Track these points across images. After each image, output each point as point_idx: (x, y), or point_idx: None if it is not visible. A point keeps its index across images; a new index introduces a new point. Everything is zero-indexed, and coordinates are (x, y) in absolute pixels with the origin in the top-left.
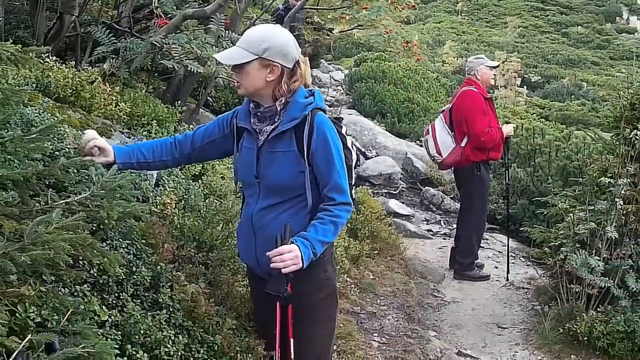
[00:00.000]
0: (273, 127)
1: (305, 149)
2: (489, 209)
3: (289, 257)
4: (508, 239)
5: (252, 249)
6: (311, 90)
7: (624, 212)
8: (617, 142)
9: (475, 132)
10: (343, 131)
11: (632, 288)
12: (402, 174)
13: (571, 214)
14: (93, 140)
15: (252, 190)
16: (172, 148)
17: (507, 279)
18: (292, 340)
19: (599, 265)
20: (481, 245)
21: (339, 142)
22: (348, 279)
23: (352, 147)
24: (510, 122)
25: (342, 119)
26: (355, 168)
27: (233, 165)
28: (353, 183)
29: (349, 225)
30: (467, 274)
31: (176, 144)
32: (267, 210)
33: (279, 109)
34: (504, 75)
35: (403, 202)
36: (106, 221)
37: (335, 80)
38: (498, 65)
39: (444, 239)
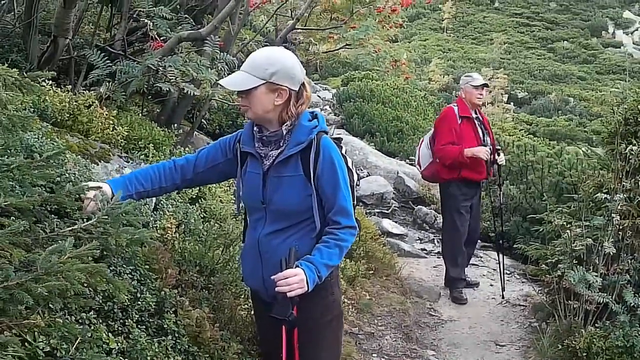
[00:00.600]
0: (279, 151)
1: (311, 173)
2: (476, 228)
3: (294, 280)
4: (501, 256)
5: (259, 274)
6: (313, 112)
7: (621, 227)
8: (612, 158)
9: (434, 148)
10: (343, 152)
11: (630, 303)
12: (394, 193)
13: (568, 230)
14: (88, 195)
15: (258, 215)
16: (172, 173)
17: (503, 297)
18: None
19: (596, 281)
20: (472, 263)
21: (344, 165)
22: (345, 300)
23: (352, 167)
24: (502, 152)
25: (342, 139)
26: (354, 188)
27: (235, 190)
28: (355, 204)
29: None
30: (451, 292)
31: (176, 169)
32: (274, 235)
33: (284, 133)
34: (490, 92)
35: (396, 222)
36: (113, 248)
37: (323, 99)
38: (484, 85)
39: (438, 257)
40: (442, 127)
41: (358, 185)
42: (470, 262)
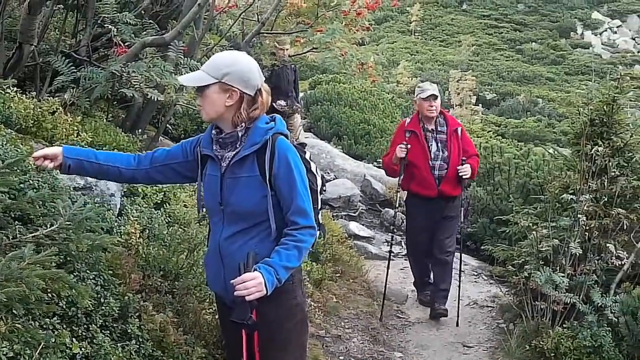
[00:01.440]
0: (235, 152)
1: (267, 173)
2: (442, 246)
3: (252, 284)
4: (459, 280)
5: (221, 278)
6: (272, 116)
7: (587, 227)
8: (578, 159)
9: None
10: (307, 156)
11: (598, 303)
12: (361, 196)
13: (534, 232)
14: (37, 152)
15: (217, 218)
16: (129, 159)
17: (457, 324)
18: None
19: (563, 282)
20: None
21: (301, 166)
22: (312, 303)
23: (316, 172)
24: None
25: (306, 144)
26: (321, 193)
27: (196, 194)
28: (319, 208)
29: (310, 248)
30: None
31: (135, 157)
32: (233, 239)
33: (240, 135)
34: (458, 93)
35: (363, 224)
36: (74, 254)
37: None
38: (434, 96)
39: (405, 259)
40: (392, 140)
41: (324, 190)
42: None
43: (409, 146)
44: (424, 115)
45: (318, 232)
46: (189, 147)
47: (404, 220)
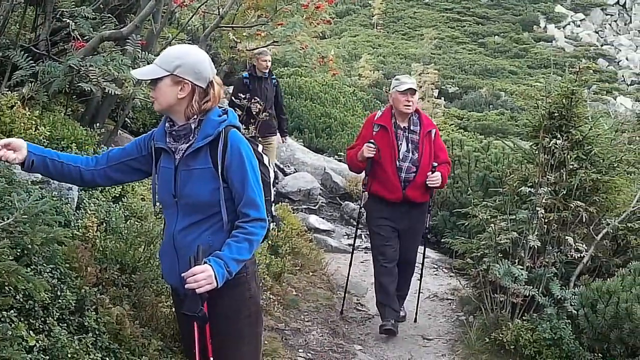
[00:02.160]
0: (188, 145)
1: (219, 165)
2: (408, 254)
3: (202, 277)
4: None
5: (176, 270)
6: (225, 109)
7: (546, 220)
8: (537, 151)
9: None
10: (259, 149)
11: (557, 295)
12: (321, 189)
13: (492, 224)
14: (1, 141)
15: (171, 210)
16: (88, 160)
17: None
18: (211, 359)
19: (522, 274)
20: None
21: (253, 158)
22: (271, 296)
23: (269, 164)
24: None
25: (258, 137)
26: (274, 186)
27: (152, 187)
28: (273, 200)
29: (269, 242)
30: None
31: (92, 158)
32: (187, 231)
33: (193, 127)
34: (420, 87)
35: (323, 218)
36: (30, 247)
37: None
38: (412, 90)
39: (365, 252)
40: (359, 133)
41: (277, 182)
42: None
43: (377, 147)
44: (399, 111)
45: (271, 224)
46: (143, 142)
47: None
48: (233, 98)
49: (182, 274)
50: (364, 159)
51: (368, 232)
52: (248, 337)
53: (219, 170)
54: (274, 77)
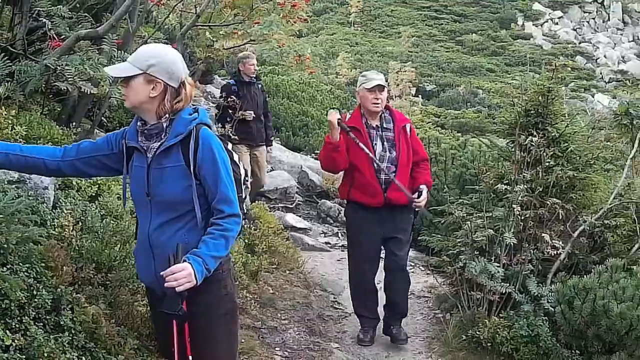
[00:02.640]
0: (160, 143)
1: (192, 163)
2: (393, 262)
3: (182, 275)
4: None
5: (152, 269)
6: (195, 107)
7: (522, 217)
8: (513, 149)
9: None
10: (229, 147)
11: (534, 292)
12: (298, 187)
13: (469, 222)
14: None
15: (145, 209)
16: (55, 151)
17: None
18: (190, 358)
19: (498, 272)
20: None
21: (225, 155)
22: (247, 295)
23: (239, 161)
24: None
25: (230, 136)
26: (244, 183)
27: (122, 186)
28: (244, 197)
29: (246, 240)
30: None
31: (61, 149)
32: (162, 229)
33: (165, 126)
34: (398, 85)
35: (300, 216)
36: (5, 246)
37: None
38: (380, 87)
39: (342, 250)
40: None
41: (247, 179)
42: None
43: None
44: (367, 109)
45: (244, 221)
46: (114, 139)
47: (341, 211)
48: (225, 106)
49: (161, 273)
50: (335, 133)
51: (348, 250)
52: (224, 336)
53: (192, 168)
54: (260, 82)
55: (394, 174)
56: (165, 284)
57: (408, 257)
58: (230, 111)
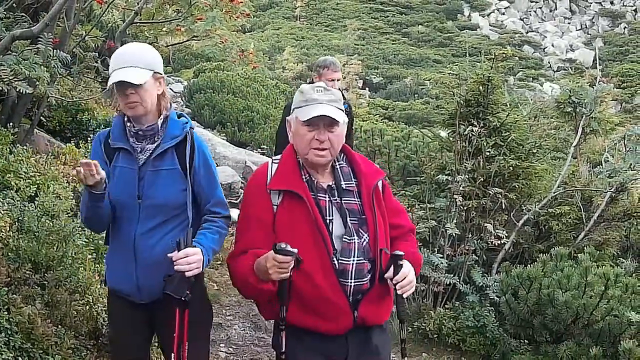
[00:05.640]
0: (155, 145)
1: (188, 167)
2: None
3: (194, 259)
4: None
5: (132, 275)
6: (179, 112)
7: (465, 208)
8: (454, 139)
9: None
10: None
11: (479, 283)
12: (242, 182)
13: (411, 213)
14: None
15: (130, 213)
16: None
17: None
18: (187, 343)
19: (442, 263)
20: None
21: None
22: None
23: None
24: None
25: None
26: None
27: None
28: None
29: None
30: None
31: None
32: (150, 233)
33: (159, 127)
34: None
35: None
36: None
37: (175, 92)
38: (328, 120)
39: None
40: (243, 213)
41: None
42: None
43: (297, 256)
44: (308, 161)
45: None
46: (100, 153)
47: None
48: None
49: (170, 254)
50: (270, 279)
51: None
52: (208, 323)
53: (188, 172)
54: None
55: (369, 277)
56: (176, 267)
57: None
58: None
